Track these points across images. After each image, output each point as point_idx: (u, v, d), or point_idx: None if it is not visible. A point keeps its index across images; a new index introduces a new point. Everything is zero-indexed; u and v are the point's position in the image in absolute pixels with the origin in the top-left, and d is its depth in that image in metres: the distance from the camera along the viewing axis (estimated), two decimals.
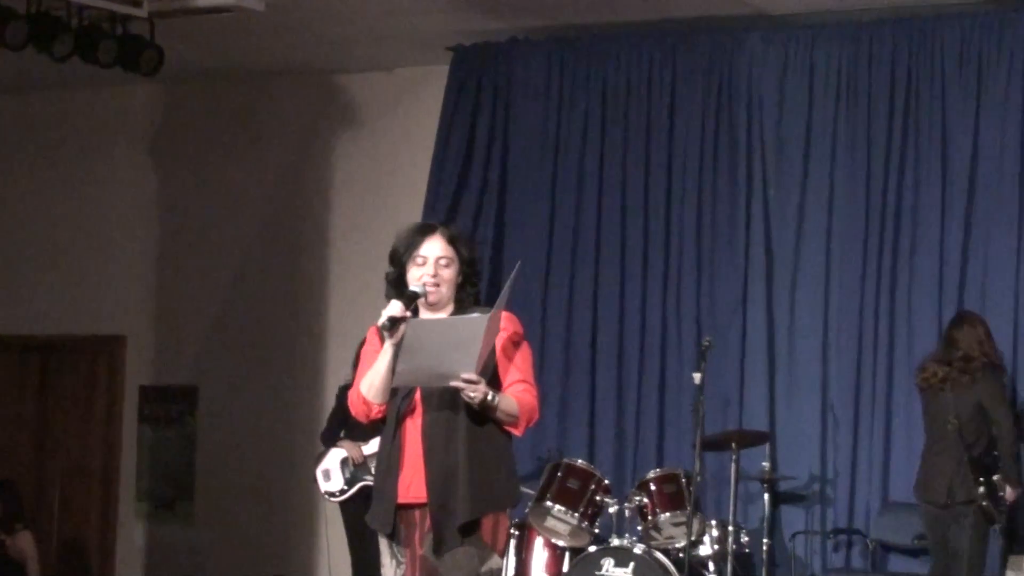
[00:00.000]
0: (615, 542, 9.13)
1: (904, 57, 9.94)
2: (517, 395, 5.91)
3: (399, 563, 5.97)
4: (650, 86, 10.50)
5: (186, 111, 12.27)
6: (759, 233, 10.19)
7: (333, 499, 10.03)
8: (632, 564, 8.97)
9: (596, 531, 9.28)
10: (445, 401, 5.86)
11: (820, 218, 10.08)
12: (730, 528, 9.23)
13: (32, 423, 12.66)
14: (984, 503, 8.63)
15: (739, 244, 10.22)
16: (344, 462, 9.96)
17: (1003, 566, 9.11)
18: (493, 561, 5.91)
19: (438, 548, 5.84)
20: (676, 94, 10.45)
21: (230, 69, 11.76)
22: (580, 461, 9.46)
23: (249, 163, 12.01)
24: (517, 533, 9.30)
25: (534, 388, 5.99)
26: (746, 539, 9.36)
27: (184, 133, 12.27)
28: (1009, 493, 8.77)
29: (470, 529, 5.84)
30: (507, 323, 5.94)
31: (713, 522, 9.31)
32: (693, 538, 9.02)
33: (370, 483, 9.44)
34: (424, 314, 5.95)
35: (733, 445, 9.35)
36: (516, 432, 5.95)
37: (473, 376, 5.76)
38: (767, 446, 9.71)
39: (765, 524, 9.52)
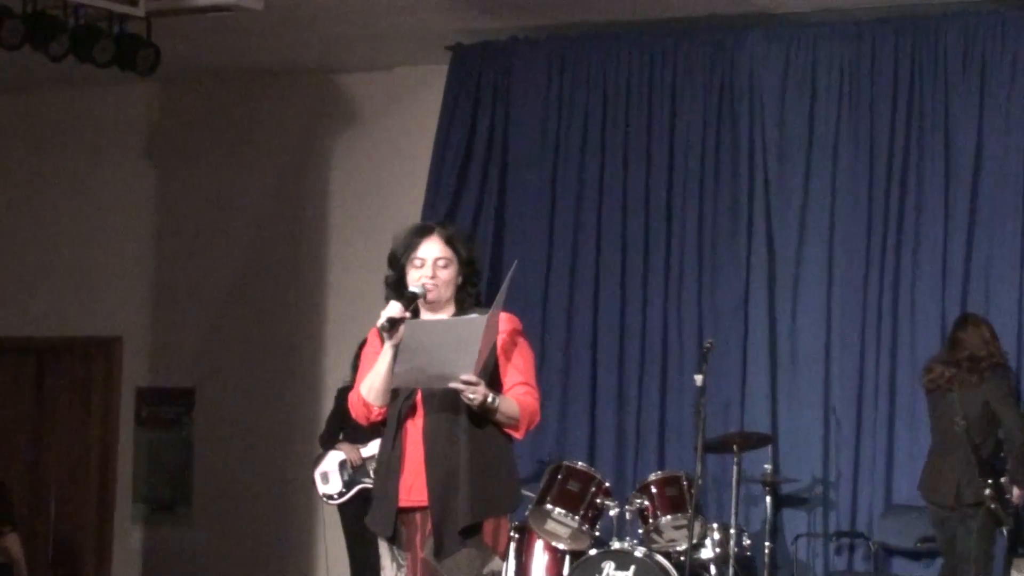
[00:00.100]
0: (616, 545, 9.11)
1: (907, 56, 9.92)
2: (518, 398, 5.89)
3: (400, 566, 5.95)
4: (651, 85, 10.49)
5: (183, 111, 12.24)
6: (761, 233, 10.17)
7: (331, 502, 10.03)
8: (633, 567, 8.95)
9: (597, 534, 9.26)
10: (446, 403, 5.84)
11: (822, 218, 10.06)
12: (732, 531, 9.21)
13: (28, 425, 12.63)
14: (992, 505, 8.60)
15: (741, 244, 10.20)
16: (342, 465, 9.95)
17: (1007, 568, 9.07)
18: (494, 564, 5.90)
19: (439, 551, 5.82)
20: (677, 93, 10.44)
21: (228, 69, 11.74)
22: (580, 463, 9.45)
23: (247, 163, 11.98)
24: (517, 536, 9.28)
25: (536, 391, 5.97)
26: (748, 542, 9.36)
27: (181, 133, 12.25)
28: (1016, 495, 8.75)
29: (471, 532, 5.83)
30: (506, 323, 5.92)
31: (715, 525, 9.28)
32: (694, 541, 9.00)
33: (369, 486, 9.45)
34: (425, 315, 5.94)
35: (735, 447, 9.34)
36: (517, 435, 5.94)
37: (472, 378, 5.74)
38: (769, 448, 9.69)
39: (767, 527, 9.50)
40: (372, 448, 9.55)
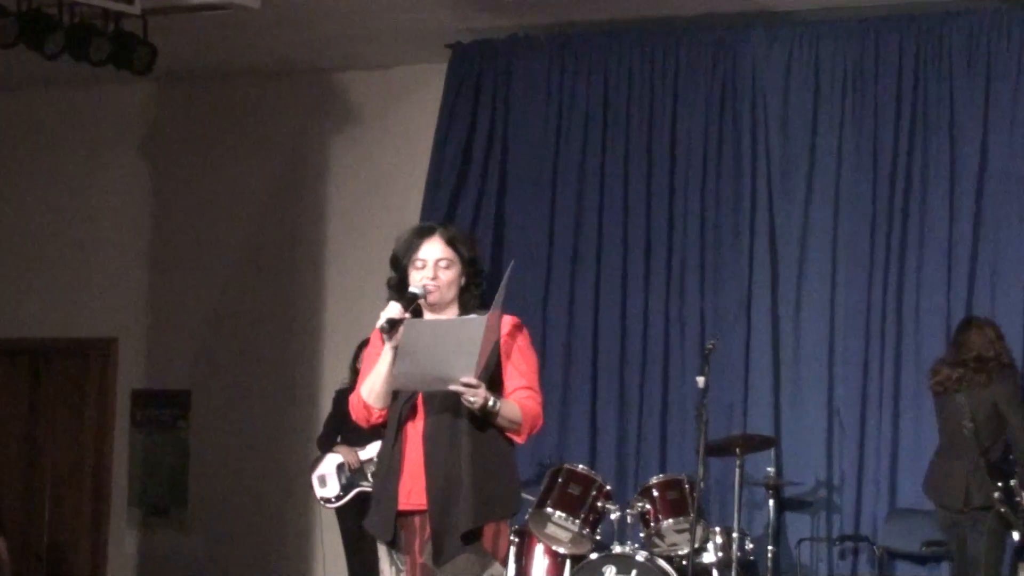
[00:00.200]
0: (617, 549, 9.10)
1: (911, 55, 9.92)
2: (520, 401, 5.84)
3: (399, 570, 5.91)
4: (652, 84, 10.48)
5: (180, 110, 12.22)
6: (763, 234, 10.15)
7: (329, 505, 10.03)
8: (634, 571, 8.94)
9: (597, 538, 9.25)
10: (447, 405, 5.79)
11: (826, 218, 10.05)
12: (734, 535, 9.19)
13: (22, 427, 12.62)
14: (1003, 508, 8.55)
15: (743, 245, 10.19)
16: (340, 467, 9.94)
17: (1014, 572, 9.03)
18: (494, 569, 5.85)
19: (438, 556, 5.77)
20: (678, 92, 10.43)
21: (225, 67, 11.73)
22: (581, 466, 9.42)
23: (244, 163, 11.96)
24: (517, 540, 9.28)
25: (539, 394, 5.92)
26: (750, 546, 9.34)
27: (178, 133, 12.22)
28: None
29: (471, 537, 5.77)
30: (509, 324, 5.88)
31: (717, 529, 9.26)
32: (697, 545, 8.98)
33: (366, 489, 9.46)
34: (427, 316, 5.89)
35: (737, 450, 9.32)
36: (519, 439, 5.89)
37: (473, 380, 5.68)
38: (772, 451, 9.66)
39: (770, 531, 9.48)
40: (370, 451, 9.54)
